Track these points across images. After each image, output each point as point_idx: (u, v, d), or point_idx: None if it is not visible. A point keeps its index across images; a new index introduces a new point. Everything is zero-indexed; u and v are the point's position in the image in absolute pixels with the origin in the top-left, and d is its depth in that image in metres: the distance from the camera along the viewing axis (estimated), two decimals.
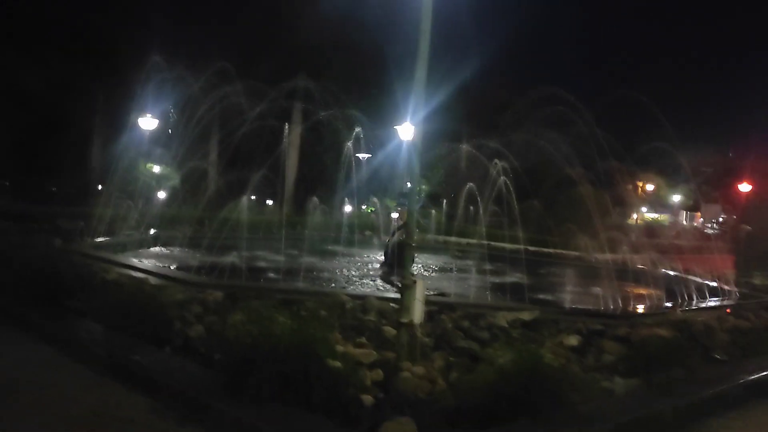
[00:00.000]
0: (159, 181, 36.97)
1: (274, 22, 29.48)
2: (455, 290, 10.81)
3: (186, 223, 16.73)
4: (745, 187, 29.56)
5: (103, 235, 13.21)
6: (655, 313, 8.01)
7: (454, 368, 4.78)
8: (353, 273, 12.57)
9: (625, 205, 28.54)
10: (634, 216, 35.88)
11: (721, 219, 39.39)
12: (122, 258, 10.02)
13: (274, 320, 5.07)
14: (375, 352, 4.85)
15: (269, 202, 38.09)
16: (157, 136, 30.74)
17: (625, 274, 13.34)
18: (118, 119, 28.43)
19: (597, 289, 11.15)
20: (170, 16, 28.36)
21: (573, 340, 5.77)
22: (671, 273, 13.56)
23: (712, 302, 9.61)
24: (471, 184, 17.75)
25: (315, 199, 17.39)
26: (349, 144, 22.03)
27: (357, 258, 15.41)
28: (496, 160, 15.11)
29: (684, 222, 41.22)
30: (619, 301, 9.03)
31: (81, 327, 6.01)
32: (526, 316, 6.79)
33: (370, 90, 28.99)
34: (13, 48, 28.23)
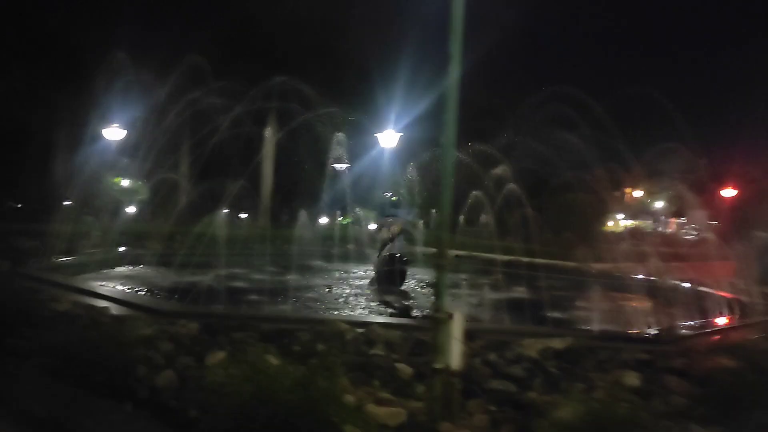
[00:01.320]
0: (127, 195, 35.45)
1: (247, 26, 28.37)
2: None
3: (156, 239, 15.46)
4: (729, 193, 29.19)
5: (63, 255, 11.93)
6: (700, 334, 7.07)
7: (503, 426, 3.73)
8: (342, 291, 11.46)
9: (609, 213, 27.99)
10: (610, 223, 35.46)
11: (701, 225, 39.26)
12: (81, 282, 8.78)
13: (264, 366, 3.99)
14: (403, 410, 3.76)
15: (243, 215, 36.74)
16: (124, 147, 29.24)
17: (630, 285, 12.48)
18: (82, 130, 26.94)
19: (609, 304, 10.22)
20: (138, 18, 27.02)
21: (632, 379, 4.75)
22: (681, 283, 12.71)
23: (751, 319, 8.70)
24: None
25: (303, 211, 16.21)
26: (338, 150, 21.04)
27: (343, 274, 14.30)
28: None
29: (663, 228, 40.91)
30: (645, 320, 8.09)
31: (20, 375, 4.82)
32: (557, 344, 5.77)
33: (349, 97, 27.96)
34: None
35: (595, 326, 7.43)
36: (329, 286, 12.08)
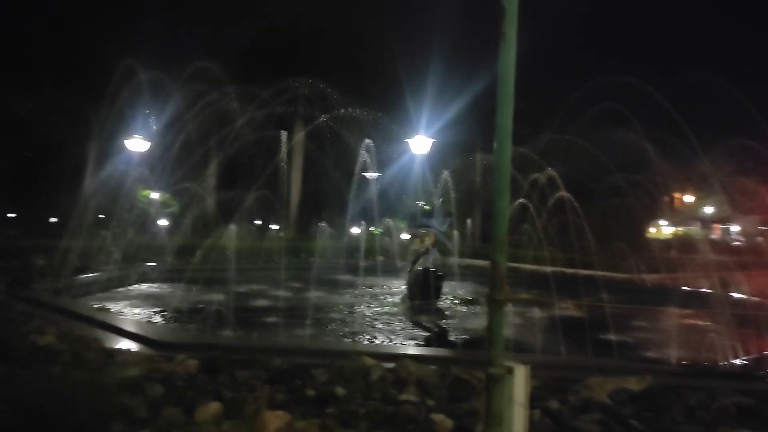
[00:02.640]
0: (156, 207, 35.17)
1: (273, 35, 27.84)
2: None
3: (176, 253, 14.74)
4: None
5: (75, 272, 11.20)
6: None
7: None
8: (371, 310, 10.46)
9: (658, 219, 26.45)
10: (653, 230, 33.62)
11: (750, 231, 37.12)
12: (80, 306, 7.92)
13: (261, 426, 3.03)
14: None
15: (274, 226, 36.05)
16: (152, 159, 28.80)
17: (692, 299, 11.22)
18: (111, 143, 26.75)
19: (674, 324, 9.03)
20: (162, 29, 26.63)
21: None
22: (746, 297, 11.40)
23: None
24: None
25: (322, 224, 15.37)
26: (364, 158, 20.20)
27: (372, 289, 13.31)
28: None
29: (708, 235, 38.82)
30: (723, 344, 6.87)
31: None
32: (633, 384, 4.68)
33: (376, 104, 27.11)
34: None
35: (669, 355, 6.28)
36: (357, 304, 11.11)
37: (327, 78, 27.42)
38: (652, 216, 20.28)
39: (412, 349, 6.20)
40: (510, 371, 2.57)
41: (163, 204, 35.80)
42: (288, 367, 4.76)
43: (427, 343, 7.60)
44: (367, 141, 20.50)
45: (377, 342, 7.39)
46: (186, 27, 27.84)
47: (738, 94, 11.01)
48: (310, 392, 4.39)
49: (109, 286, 11.04)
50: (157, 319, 8.49)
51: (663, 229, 38.61)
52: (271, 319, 8.68)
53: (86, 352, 5.22)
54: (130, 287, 11.82)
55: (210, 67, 17.48)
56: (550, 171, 13.31)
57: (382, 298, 12.01)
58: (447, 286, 14.11)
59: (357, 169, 20.42)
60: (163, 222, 36.22)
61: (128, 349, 5.48)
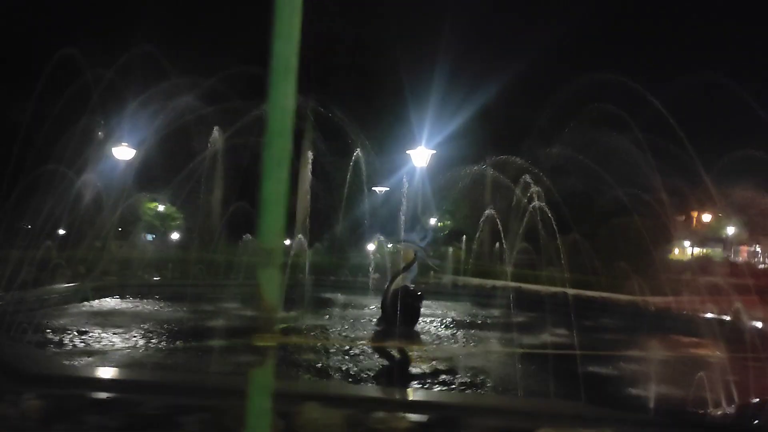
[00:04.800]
0: (161, 219, 34.79)
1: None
2: (473, 361, 7.82)
3: (153, 267, 14.08)
4: None
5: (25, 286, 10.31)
6: None
7: None
8: (344, 333, 9.62)
9: (672, 239, 25.17)
10: (676, 251, 32.13)
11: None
12: None
13: None
14: None
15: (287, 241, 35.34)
16: (159, 172, 28.33)
17: (698, 326, 10.17)
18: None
19: (676, 355, 8.02)
20: (168, 39, 26.32)
21: None
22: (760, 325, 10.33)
23: None
24: (490, 211, 14.92)
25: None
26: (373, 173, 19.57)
27: (356, 309, 12.45)
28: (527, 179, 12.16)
29: (734, 257, 37.15)
30: (716, 385, 5.84)
31: None
32: None
33: (382, 116, 26.48)
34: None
35: (650, 395, 5.34)
36: (332, 326, 10.27)
37: (334, 86, 26.96)
38: (666, 236, 19.12)
39: (370, 389, 5.18)
40: None
41: (169, 217, 35.45)
42: (154, 413, 3.87)
43: (379, 375, 6.69)
44: (373, 156, 19.88)
45: (313, 377, 6.39)
46: (190, 36, 27.57)
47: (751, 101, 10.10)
48: None
49: (59, 302, 10.25)
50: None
51: (687, 251, 37.10)
52: (207, 343, 7.75)
53: None
54: (80, 303, 10.86)
55: (215, 79, 17.16)
56: (545, 189, 12.52)
57: (362, 318, 11.15)
58: (437, 307, 13.24)
59: (363, 183, 19.82)
60: (174, 235, 35.87)
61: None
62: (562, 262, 15.33)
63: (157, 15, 25.62)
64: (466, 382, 6.44)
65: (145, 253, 17.18)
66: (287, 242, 32.33)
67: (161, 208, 34.22)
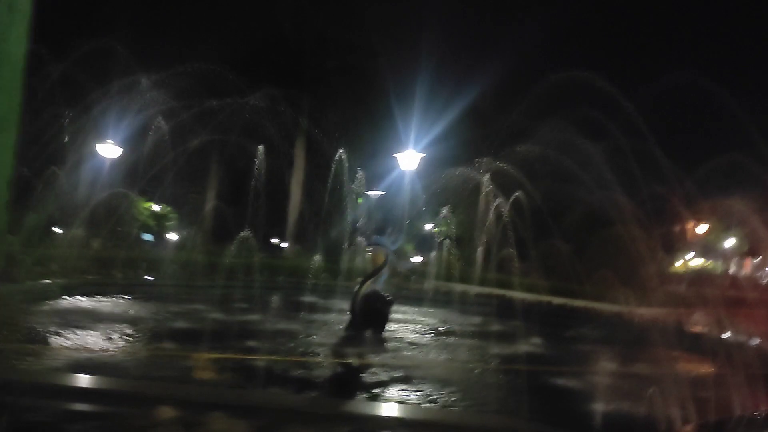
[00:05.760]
0: (156, 219, 34.56)
1: (275, 46, 27.28)
2: (445, 372, 7.49)
3: (127, 266, 13.83)
4: None
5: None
6: None
7: None
8: (314, 339, 9.26)
9: (670, 251, 24.71)
10: (677, 263, 31.43)
11: None
12: None
13: None
14: None
15: (282, 243, 35.07)
16: (154, 171, 28.10)
17: (681, 339, 9.80)
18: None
19: (643, 369, 7.64)
20: (166, 37, 26.10)
21: None
22: (745, 339, 9.97)
23: None
24: (482, 217, 14.64)
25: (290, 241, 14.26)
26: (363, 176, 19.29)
27: (330, 315, 12.10)
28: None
29: (736, 270, 36.41)
30: (689, 405, 5.47)
31: None
32: None
33: (375, 119, 26.21)
34: None
35: (610, 414, 5.00)
36: (302, 333, 9.91)
37: (327, 87, 26.75)
38: (666, 246, 18.76)
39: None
40: None
41: (164, 217, 35.17)
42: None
43: (328, 384, 6.37)
44: (363, 161, 19.65)
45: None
46: (188, 36, 27.41)
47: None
48: None
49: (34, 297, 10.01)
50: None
51: (690, 263, 36.24)
52: (163, 345, 7.46)
53: None
54: (53, 300, 10.58)
55: (213, 79, 17.02)
56: (528, 194, 12.24)
57: (334, 324, 10.80)
58: (415, 314, 12.87)
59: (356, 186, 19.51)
60: (173, 235, 35.59)
61: None
62: (555, 270, 15.05)
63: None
64: (418, 393, 6.11)
65: (132, 252, 16.95)
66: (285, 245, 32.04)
67: (156, 208, 33.99)
